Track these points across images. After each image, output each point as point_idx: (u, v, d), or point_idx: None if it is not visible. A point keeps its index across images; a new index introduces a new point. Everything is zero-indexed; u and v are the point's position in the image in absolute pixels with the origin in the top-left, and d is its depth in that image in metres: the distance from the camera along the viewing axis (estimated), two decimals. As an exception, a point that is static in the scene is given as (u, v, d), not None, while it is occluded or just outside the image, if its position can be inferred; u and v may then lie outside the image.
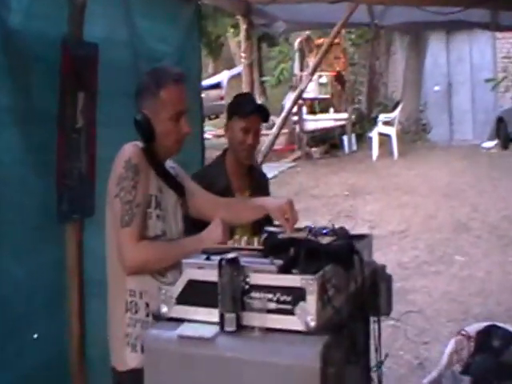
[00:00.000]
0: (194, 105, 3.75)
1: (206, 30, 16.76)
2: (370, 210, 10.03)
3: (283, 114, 6.06)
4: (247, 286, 1.95)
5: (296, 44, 15.38)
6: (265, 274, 1.95)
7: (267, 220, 2.68)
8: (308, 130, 14.91)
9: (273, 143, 5.71)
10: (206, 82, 17.42)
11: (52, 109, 2.72)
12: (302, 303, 1.88)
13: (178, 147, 2.57)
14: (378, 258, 7.75)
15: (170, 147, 2.54)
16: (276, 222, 2.69)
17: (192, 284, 2.04)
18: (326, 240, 2.33)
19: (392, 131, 13.86)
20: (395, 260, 7.71)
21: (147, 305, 2.44)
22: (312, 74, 6.27)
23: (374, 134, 13.99)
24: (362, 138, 15.46)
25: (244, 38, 4.92)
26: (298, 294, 1.89)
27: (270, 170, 13.18)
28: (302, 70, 14.64)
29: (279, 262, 1.99)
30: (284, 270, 1.97)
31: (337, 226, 2.75)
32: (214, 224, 2.46)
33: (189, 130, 2.52)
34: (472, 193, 10.53)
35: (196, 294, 2.03)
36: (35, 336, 2.78)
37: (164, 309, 2.07)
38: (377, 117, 14.74)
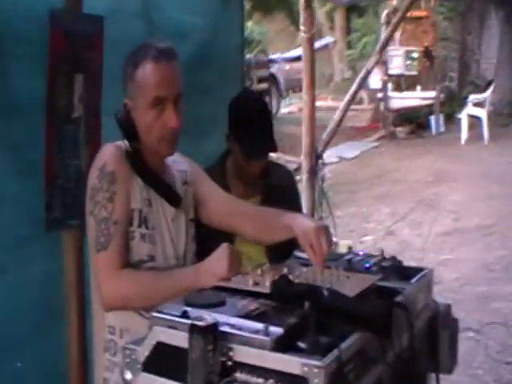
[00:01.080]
0: (233, 87, 3.20)
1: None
2: (455, 200, 9.22)
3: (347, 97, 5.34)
4: (230, 363, 1.40)
5: (383, 16, 14.49)
6: (255, 350, 1.39)
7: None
8: (393, 108, 14.17)
9: (339, 123, 5.06)
10: (289, 54, 16.82)
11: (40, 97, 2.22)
12: (302, 398, 1.32)
13: (166, 147, 2.03)
14: (460, 255, 7.05)
15: (154, 146, 2.01)
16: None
17: (161, 348, 1.51)
18: (358, 285, 1.75)
19: (483, 113, 12.84)
20: (480, 260, 6.98)
21: None
22: (382, 49, 5.53)
23: (463, 116, 13.02)
24: (451, 119, 14.46)
25: (303, 7, 4.24)
26: (299, 384, 1.33)
27: (351, 148, 12.77)
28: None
29: (277, 331, 1.42)
30: (283, 344, 1.40)
31: (388, 256, 2.19)
32: (219, 253, 1.91)
33: (176, 124, 1.96)
34: None
35: (166, 361, 1.51)
36: (19, 365, 2.33)
37: (128, 375, 1.55)
38: (466, 97, 13.72)
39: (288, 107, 16.75)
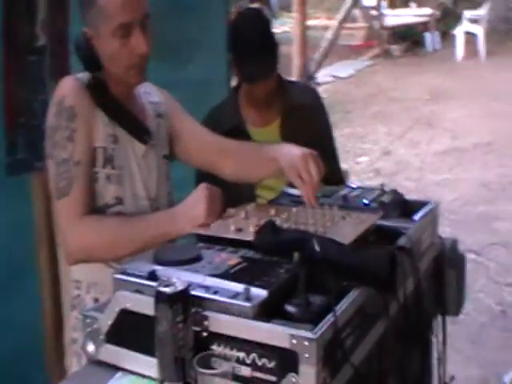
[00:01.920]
0: (217, 7, 2.88)
1: None
2: (452, 118, 8.96)
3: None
4: (205, 334, 1.18)
5: None
6: (233, 318, 1.16)
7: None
8: (388, 25, 13.80)
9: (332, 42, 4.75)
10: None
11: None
12: (291, 376, 1.10)
13: (135, 75, 1.77)
14: (459, 175, 6.84)
15: (120, 76, 1.76)
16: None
17: (126, 316, 1.28)
18: (355, 229, 1.51)
19: (479, 30, 12.47)
20: (478, 179, 6.79)
21: (96, 302, 1.74)
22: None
23: (459, 33, 12.62)
24: (447, 36, 14.07)
25: None
26: (287, 359, 1.10)
27: (346, 67, 12.39)
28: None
29: (260, 294, 1.18)
30: (267, 310, 1.17)
31: (388, 189, 1.95)
32: (196, 196, 1.68)
33: (145, 50, 1.71)
34: None
35: (133, 332, 1.28)
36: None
37: (90, 347, 1.32)
38: (462, 13, 13.29)
39: (280, 27, 16.26)
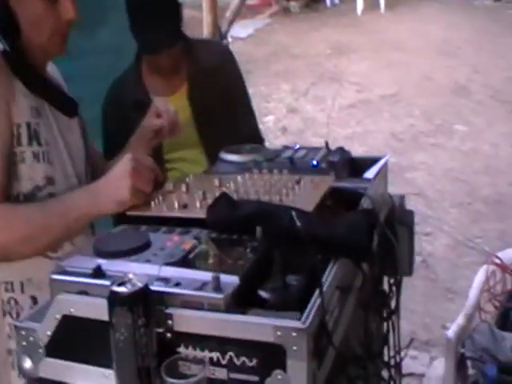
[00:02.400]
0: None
1: None
2: (357, 71, 8.96)
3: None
4: (169, 335, 0.99)
5: None
6: (202, 313, 0.98)
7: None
8: (284, -18, 13.49)
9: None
10: None
11: None
12: (278, 374, 0.94)
13: (58, 43, 1.58)
14: (367, 127, 6.82)
15: (44, 44, 1.56)
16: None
17: (70, 323, 1.08)
18: (313, 193, 1.36)
19: (377, -19, 12.43)
20: (387, 130, 6.83)
21: (34, 301, 1.51)
22: None
23: (357, -14, 12.59)
24: (345, -10, 14.01)
25: None
26: (271, 355, 0.94)
27: (244, 27, 12.10)
28: None
29: (231, 281, 1.01)
30: (242, 299, 1.00)
31: (334, 147, 1.81)
32: (119, 169, 1.45)
33: (73, 16, 1.53)
34: (470, 50, 9.31)
35: (79, 341, 1.08)
36: None
37: (27, 363, 1.11)
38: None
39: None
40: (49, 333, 1.11)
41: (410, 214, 1.93)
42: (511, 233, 4.47)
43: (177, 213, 1.35)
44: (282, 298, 0.99)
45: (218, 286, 0.98)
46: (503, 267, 2.61)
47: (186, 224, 1.31)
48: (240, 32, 11.75)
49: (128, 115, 2.00)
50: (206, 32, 4.24)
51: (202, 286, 1.00)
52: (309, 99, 8.16)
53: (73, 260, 1.15)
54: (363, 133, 6.83)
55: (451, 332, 2.39)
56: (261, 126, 7.28)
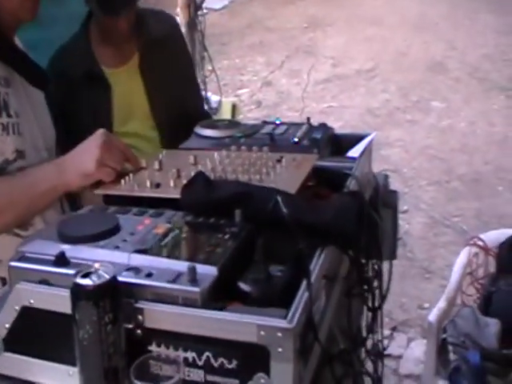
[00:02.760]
0: None
1: None
2: (332, 45, 8.83)
3: None
4: (139, 332, 0.89)
5: None
6: (177, 309, 0.88)
7: None
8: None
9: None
10: None
11: None
12: (260, 377, 0.84)
13: (29, 9, 1.47)
14: (343, 102, 6.72)
15: (15, 8, 1.45)
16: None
17: (30, 315, 0.97)
18: (296, 173, 1.25)
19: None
20: (364, 105, 6.73)
21: (4, 283, 1.41)
22: None
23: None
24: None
25: None
26: (253, 356, 0.84)
27: (218, -1, 11.92)
28: None
29: (209, 272, 0.91)
30: (220, 292, 0.90)
31: (315, 123, 1.71)
32: (88, 142, 1.37)
33: None
34: (447, 26, 9.20)
35: (39, 334, 0.97)
36: None
37: (-18, 358, 1.01)
38: None
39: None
40: (7, 325, 1.00)
41: (394, 194, 1.85)
42: (488, 212, 4.43)
43: (149, 192, 1.24)
44: (266, 292, 0.89)
45: (193, 278, 0.87)
46: (486, 249, 2.55)
47: (158, 204, 1.21)
48: (215, 3, 11.53)
49: (76, 87, 1.89)
50: (179, 1, 4.07)
51: (177, 277, 0.90)
52: (284, 73, 8.03)
53: (34, 245, 1.04)
54: (339, 108, 6.73)
55: (432, 316, 2.33)
56: (235, 99, 7.16)
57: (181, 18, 4.18)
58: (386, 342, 1.81)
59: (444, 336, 2.27)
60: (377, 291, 1.48)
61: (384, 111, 6.58)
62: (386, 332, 3.20)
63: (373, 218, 1.22)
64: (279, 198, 0.94)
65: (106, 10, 1.86)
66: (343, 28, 9.51)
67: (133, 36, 1.99)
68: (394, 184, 4.87)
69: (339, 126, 6.11)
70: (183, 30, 4.20)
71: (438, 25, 9.28)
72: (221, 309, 0.87)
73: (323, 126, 1.66)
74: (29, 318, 0.98)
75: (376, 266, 1.57)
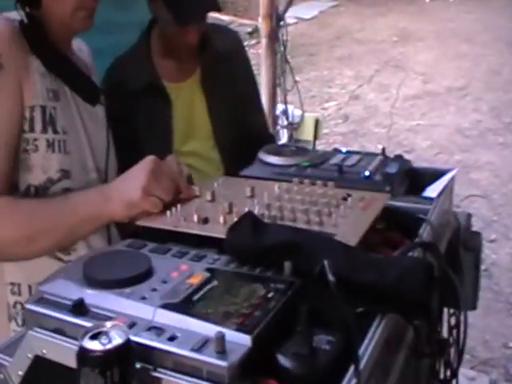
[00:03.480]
0: None
1: None
2: (423, 60, 8.56)
3: None
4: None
5: None
6: (199, 383, 0.74)
7: None
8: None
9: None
10: None
11: None
12: None
13: (83, 18, 1.38)
14: (432, 121, 6.48)
15: (65, 18, 1.36)
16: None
17: (43, 365, 0.85)
18: (362, 218, 1.09)
19: (447, -32, 11.91)
20: (454, 125, 6.46)
21: None
22: None
23: (426, -28, 12.09)
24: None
25: None
26: None
27: (309, 8, 11.81)
28: None
29: (241, 342, 0.76)
30: (251, 367, 0.75)
31: (392, 154, 1.55)
32: (137, 168, 1.26)
33: None
34: (542, 45, 8.80)
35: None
36: None
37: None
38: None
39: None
40: (20, 373, 0.89)
41: (477, 236, 1.65)
42: None
43: (194, 229, 1.12)
44: (309, 370, 0.74)
45: (222, 349, 0.74)
46: None
47: (205, 241, 1.08)
48: (304, 13, 11.46)
49: (135, 100, 1.78)
50: (261, 12, 3.96)
51: (203, 344, 0.76)
52: (372, 87, 7.84)
53: (55, 285, 0.93)
54: (427, 126, 6.48)
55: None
56: (322, 112, 7.04)
57: (262, 29, 4.07)
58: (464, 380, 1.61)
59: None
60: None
61: (475, 132, 6.29)
62: (469, 373, 2.99)
63: (449, 278, 1.05)
64: (326, 263, 0.79)
65: (179, 18, 1.74)
66: (434, 43, 9.22)
67: (195, 51, 1.88)
68: (481, 210, 4.62)
69: (427, 146, 5.91)
70: (263, 41, 4.10)
71: (532, 44, 8.85)
72: (251, 390, 0.72)
73: (399, 158, 1.50)
74: (43, 368, 0.86)
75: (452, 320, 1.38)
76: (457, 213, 1.61)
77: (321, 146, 5.16)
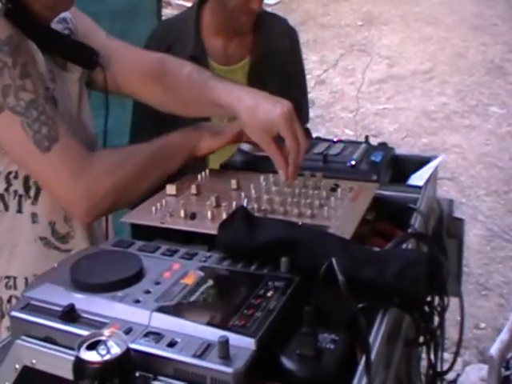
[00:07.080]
0: None
1: None
2: (388, 44, 8.56)
3: None
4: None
5: None
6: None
7: None
8: None
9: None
10: None
11: None
12: None
13: None
14: (399, 104, 6.50)
15: (47, 1, 1.29)
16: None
17: (32, 376, 0.81)
18: (354, 209, 1.07)
19: None
20: (420, 108, 6.47)
21: None
22: None
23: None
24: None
25: None
26: None
27: (272, -7, 11.75)
28: None
29: (245, 346, 0.73)
30: (255, 371, 0.73)
31: (374, 142, 1.53)
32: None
33: None
34: (505, 28, 8.77)
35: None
36: None
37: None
38: None
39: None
40: (7, 383, 0.85)
41: (460, 222, 1.64)
42: (551, 226, 4.18)
43: (182, 225, 1.08)
44: (315, 373, 0.71)
45: (226, 354, 0.70)
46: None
47: (193, 237, 1.05)
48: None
49: None
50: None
51: (205, 349, 0.73)
52: (338, 71, 7.81)
53: (42, 290, 0.88)
54: (394, 110, 6.50)
55: (494, 350, 2.11)
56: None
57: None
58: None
59: (507, 373, 2.06)
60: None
61: (441, 115, 6.31)
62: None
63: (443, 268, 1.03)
64: (334, 261, 0.76)
65: None
66: (399, 27, 9.20)
67: (249, 36, 1.84)
68: (450, 192, 4.65)
69: (394, 129, 5.92)
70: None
71: (496, 26, 8.90)
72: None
73: (383, 146, 1.47)
74: (32, 379, 0.82)
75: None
76: (439, 199, 1.60)
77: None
